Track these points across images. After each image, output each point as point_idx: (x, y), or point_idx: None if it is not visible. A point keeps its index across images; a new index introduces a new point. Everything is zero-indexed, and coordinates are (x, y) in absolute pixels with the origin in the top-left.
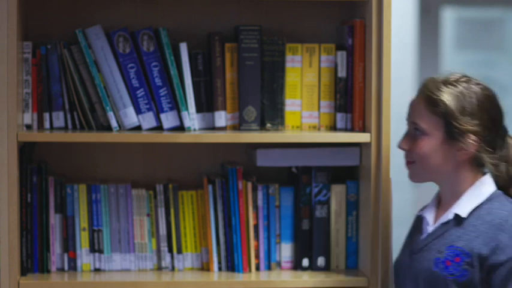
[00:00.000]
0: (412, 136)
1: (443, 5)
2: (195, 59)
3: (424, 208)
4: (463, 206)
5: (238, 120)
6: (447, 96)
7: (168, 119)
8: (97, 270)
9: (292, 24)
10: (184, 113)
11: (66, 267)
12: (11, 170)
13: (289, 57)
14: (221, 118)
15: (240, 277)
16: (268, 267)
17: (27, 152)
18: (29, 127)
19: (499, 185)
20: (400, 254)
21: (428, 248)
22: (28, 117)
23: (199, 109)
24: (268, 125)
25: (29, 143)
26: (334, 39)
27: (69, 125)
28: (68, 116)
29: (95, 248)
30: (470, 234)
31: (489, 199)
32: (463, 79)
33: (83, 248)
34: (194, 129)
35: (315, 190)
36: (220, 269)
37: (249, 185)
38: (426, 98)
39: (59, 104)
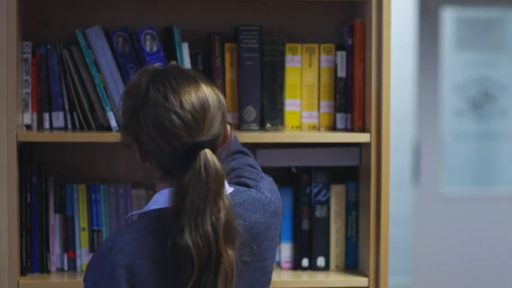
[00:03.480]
0: None
1: (443, 5)
2: (195, 59)
3: None
4: None
5: (238, 120)
6: None
7: None
8: None
9: (292, 24)
10: None
11: (66, 267)
12: (11, 170)
13: (289, 57)
14: None
15: None
16: None
17: (26, 152)
18: (28, 127)
19: None
20: None
21: None
22: (28, 117)
23: None
24: (268, 125)
25: (28, 143)
26: (334, 39)
27: (69, 125)
28: (68, 116)
29: (95, 248)
30: None
31: None
32: None
33: (82, 248)
34: None
35: (315, 190)
36: None
37: None
38: None
39: (59, 104)
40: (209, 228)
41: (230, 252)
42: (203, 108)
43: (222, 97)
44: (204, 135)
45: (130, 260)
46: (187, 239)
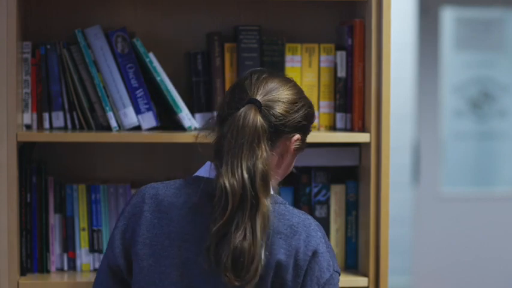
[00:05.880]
0: None
1: (443, 5)
2: (195, 59)
3: None
4: None
5: None
6: None
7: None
8: (96, 270)
9: (292, 24)
10: (181, 114)
11: (65, 267)
12: (11, 170)
13: (288, 57)
14: None
15: None
16: None
17: (26, 152)
18: (28, 127)
19: None
20: None
21: None
22: (28, 117)
23: (198, 109)
24: None
25: (28, 143)
26: (333, 39)
27: (69, 125)
28: (68, 116)
29: (95, 248)
30: None
31: None
32: None
33: (82, 248)
34: (194, 129)
35: (315, 190)
36: None
37: None
38: None
39: (59, 104)
40: (244, 172)
41: (266, 201)
42: (273, 87)
43: (308, 105)
44: (258, 95)
45: (157, 190)
46: (224, 178)
